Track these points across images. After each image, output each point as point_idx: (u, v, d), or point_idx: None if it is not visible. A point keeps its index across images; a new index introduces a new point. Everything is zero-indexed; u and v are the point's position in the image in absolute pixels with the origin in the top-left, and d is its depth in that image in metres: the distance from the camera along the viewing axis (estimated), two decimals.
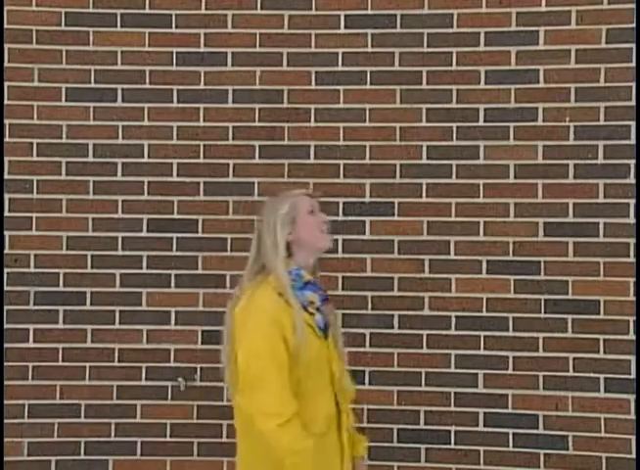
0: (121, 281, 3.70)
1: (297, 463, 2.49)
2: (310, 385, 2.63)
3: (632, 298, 3.50)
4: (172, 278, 3.69)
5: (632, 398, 3.47)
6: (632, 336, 3.49)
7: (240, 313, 2.58)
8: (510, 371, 3.56)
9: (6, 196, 3.69)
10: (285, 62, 3.69)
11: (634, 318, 3.48)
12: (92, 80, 3.71)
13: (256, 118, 3.69)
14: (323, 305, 2.68)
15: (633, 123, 3.53)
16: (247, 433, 2.60)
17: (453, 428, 3.63)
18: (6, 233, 3.69)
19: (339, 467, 2.66)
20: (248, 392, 2.51)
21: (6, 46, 3.69)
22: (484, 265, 3.60)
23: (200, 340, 3.67)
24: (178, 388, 3.67)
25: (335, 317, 2.75)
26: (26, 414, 3.67)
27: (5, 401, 3.56)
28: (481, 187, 3.61)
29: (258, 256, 2.65)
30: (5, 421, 3.59)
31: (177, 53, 3.70)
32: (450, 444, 3.63)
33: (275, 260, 2.60)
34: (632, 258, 3.52)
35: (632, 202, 3.53)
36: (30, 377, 3.68)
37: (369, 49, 3.66)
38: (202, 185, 3.69)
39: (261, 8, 3.70)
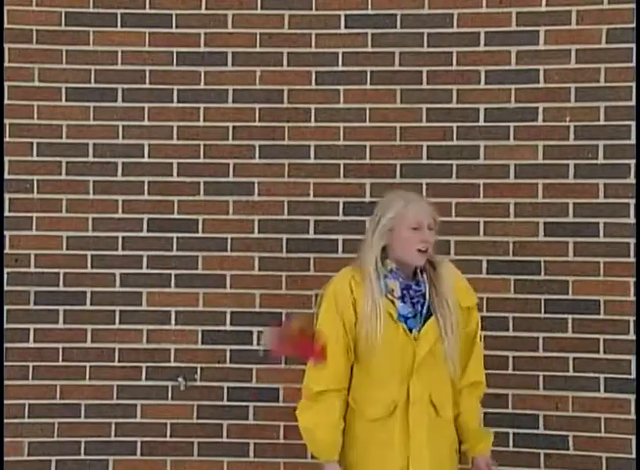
0: (121, 281, 3.69)
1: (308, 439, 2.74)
2: (376, 369, 2.71)
3: (632, 298, 3.49)
4: (172, 278, 3.69)
5: (632, 398, 3.46)
6: (632, 336, 3.49)
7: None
8: (510, 371, 3.55)
9: (6, 196, 3.68)
10: (285, 62, 3.68)
11: (634, 318, 3.47)
12: (92, 80, 3.71)
13: (256, 118, 3.69)
14: (416, 298, 2.73)
15: (633, 123, 3.52)
16: None
17: None
18: (6, 233, 3.68)
19: (391, 455, 2.68)
20: None
21: (6, 46, 3.68)
22: (484, 265, 3.60)
23: (200, 340, 3.67)
24: (178, 388, 3.67)
25: (448, 310, 2.75)
26: (26, 414, 3.67)
27: (5, 401, 3.55)
28: (481, 187, 3.61)
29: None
30: (5, 421, 3.57)
31: (177, 53, 3.70)
32: None
33: (366, 257, 2.77)
34: (632, 258, 3.51)
35: (632, 202, 3.52)
36: (30, 377, 3.68)
37: (369, 49, 3.66)
38: (202, 185, 3.69)
39: (261, 8, 3.69)
